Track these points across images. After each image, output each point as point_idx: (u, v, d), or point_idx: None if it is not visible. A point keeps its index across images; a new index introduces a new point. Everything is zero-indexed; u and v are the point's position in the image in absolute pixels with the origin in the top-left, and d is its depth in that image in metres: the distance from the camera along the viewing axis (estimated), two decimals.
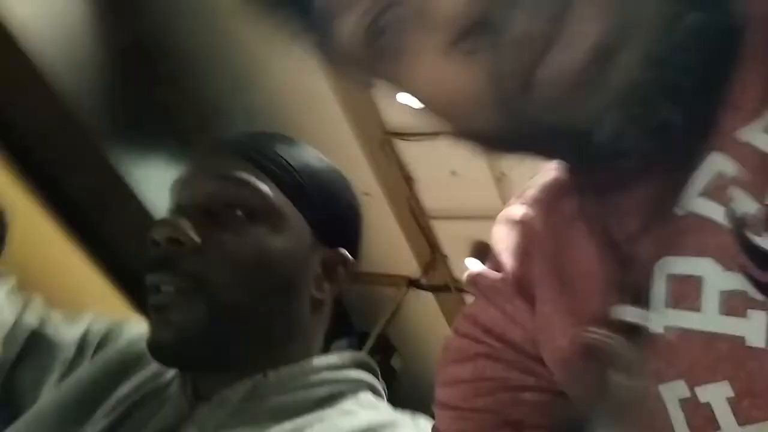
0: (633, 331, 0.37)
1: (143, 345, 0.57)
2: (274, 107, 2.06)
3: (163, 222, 0.57)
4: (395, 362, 2.55)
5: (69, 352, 0.66)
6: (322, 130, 2.02)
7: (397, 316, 2.51)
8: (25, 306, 0.68)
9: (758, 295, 0.31)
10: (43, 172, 1.55)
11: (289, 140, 0.65)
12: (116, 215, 1.64)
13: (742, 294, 0.31)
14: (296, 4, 0.38)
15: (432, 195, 2.10)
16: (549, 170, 0.48)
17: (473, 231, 2.11)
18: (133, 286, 1.64)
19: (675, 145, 0.36)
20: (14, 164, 1.47)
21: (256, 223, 0.58)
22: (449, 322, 2.62)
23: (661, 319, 0.35)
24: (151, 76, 1.76)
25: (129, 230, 1.62)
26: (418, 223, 2.19)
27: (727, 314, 0.32)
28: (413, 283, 2.48)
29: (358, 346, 2.32)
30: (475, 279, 0.50)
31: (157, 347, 0.56)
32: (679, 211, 0.34)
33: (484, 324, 0.47)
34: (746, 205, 0.32)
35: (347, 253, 0.64)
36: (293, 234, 0.60)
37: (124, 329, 0.69)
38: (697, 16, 0.30)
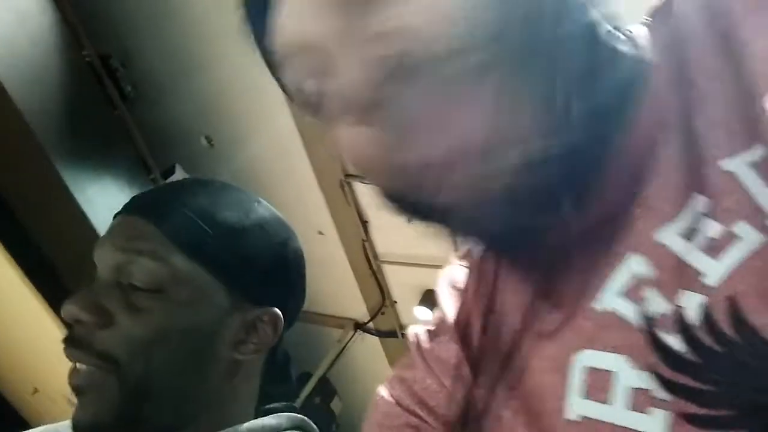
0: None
1: None
2: (236, 138, 2.06)
3: (70, 301, 0.55)
4: (335, 406, 2.50)
5: None
6: (283, 165, 2.02)
7: (341, 358, 2.48)
8: None
9: (663, 394, 0.33)
10: None
11: (212, 194, 0.62)
12: (61, 236, 1.59)
13: (647, 392, 0.34)
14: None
15: (386, 240, 2.10)
16: None
17: (425, 279, 2.11)
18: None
19: (587, 240, 0.38)
20: None
21: (161, 297, 0.56)
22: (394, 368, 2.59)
23: (574, 407, 0.37)
24: (113, 95, 1.74)
25: (71, 248, 1.57)
26: (370, 266, 2.19)
27: (633, 409, 0.34)
28: (360, 327, 2.46)
29: (299, 388, 2.27)
30: (420, 341, 0.50)
31: (78, 429, 0.55)
32: (598, 307, 0.37)
33: (420, 395, 0.47)
34: (659, 305, 0.34)
35: (276, 310, 0.62)
36: (203, 303, 0.58)
37: None
38: (570, 137, 0.32)
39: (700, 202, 0.33)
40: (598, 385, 0.36)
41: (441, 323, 0.50)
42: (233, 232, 0.60)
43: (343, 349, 2.45)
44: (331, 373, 2.48)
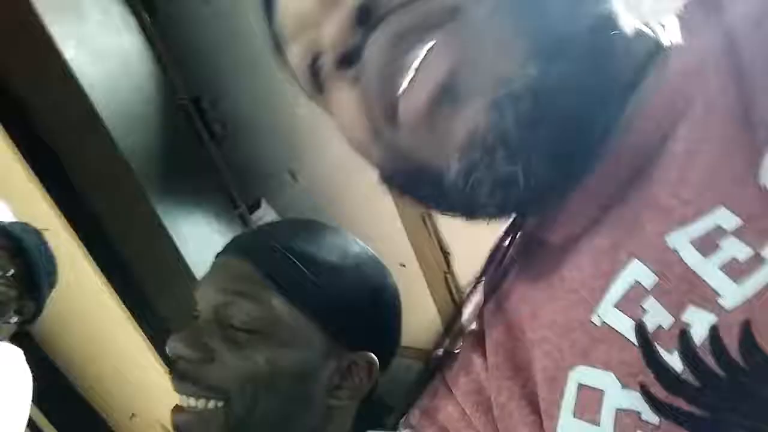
0: None
1: None
2: (319, 173, 2.11)
3: (174, 338, 0.56)
4: None
5: None
6: (364, 197, 2.04)
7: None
8: None
9: (652, 417, 0.31)
10: (88, 215, 1.61)
11: (311, 235, 0.62)
12: (156, 268, 1.67)
13: (636, 414, 0.31)
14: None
15: (469, 272, 2.07)
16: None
17: None
18: (162, 335, 1.65)
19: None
20: (63, 205, 1.54)
21: (259, 338, 0.56)
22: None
23: (565, 426, 0.35)
24: (203, 134, 1.84)
25: (167, 283, 1.64)
26: (452, 298, 2.16)
27: None
28: None
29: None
30: (444, 364, 0.51)
31: None
32: (595, 320, 0.35)
33: (442, 424, 0.47)
34: (660, 317, 0.31)
35: (372, 355, 0.61)
36: (300, 346, 0.57)
37: None
38: (541, 74, 0.32)
39: (727, 218, 0.30)
40: (588, 404, 0.34)
41: (466, 341, 0.50)
42: (332, 276, 0.59)
43: (425, 382, 2.42)
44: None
